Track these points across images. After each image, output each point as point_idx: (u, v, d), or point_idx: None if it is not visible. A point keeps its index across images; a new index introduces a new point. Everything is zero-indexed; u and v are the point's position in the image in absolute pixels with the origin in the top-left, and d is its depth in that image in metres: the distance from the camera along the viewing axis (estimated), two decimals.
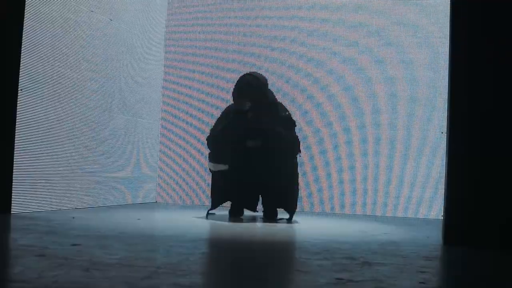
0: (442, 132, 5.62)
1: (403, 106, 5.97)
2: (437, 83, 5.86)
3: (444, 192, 4.79)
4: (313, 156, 6.10)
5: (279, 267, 2.68)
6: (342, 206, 6.01)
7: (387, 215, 5.86)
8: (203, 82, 6.46)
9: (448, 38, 5.18)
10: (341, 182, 6.04)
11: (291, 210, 4.89)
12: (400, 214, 5.86)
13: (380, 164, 5.98)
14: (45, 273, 2.19)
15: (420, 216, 5.80)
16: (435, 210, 5.74)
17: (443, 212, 3.78)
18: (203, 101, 6.45)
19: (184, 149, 6.47)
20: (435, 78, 5.88)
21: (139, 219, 4.51)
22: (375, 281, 2.26)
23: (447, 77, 5.14)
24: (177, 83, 6.56)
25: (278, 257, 3.05)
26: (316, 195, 6.07)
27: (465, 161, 3.53)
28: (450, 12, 3.86)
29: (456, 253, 3.29)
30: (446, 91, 5.11)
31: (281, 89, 6.08)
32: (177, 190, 6.46)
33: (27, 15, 4.35)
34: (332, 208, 6.02)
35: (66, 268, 2.30)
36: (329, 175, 6.07)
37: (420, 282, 2.29)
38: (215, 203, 4.99)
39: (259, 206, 5.05)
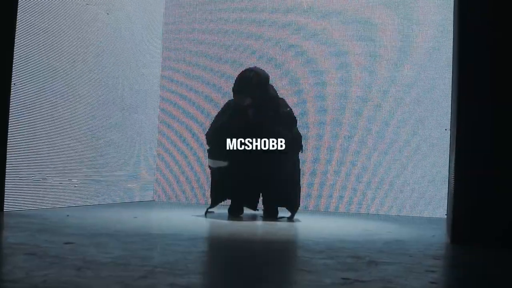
0: (445, 129, 5.52)
1: (407, 104, 5.87)
2: (440, 81, 5.76)
3: (448, 191, 4.70)
4: (315, 154, 5.99)
5: (281, 266, 2.56)
6: (344, 205, 5.90)
7: (389, 213, 5.76)
8: (201, 79, 6.35)
9: (450, 34, 5.11)
10: (343, 181, 5.94)
11: (293, 209, 4.77)
12: (402, 212, 5.75)
13: (383, 163, 5.88)
14: (34, 272, 2.07)
15: (423, 214, 5.69)
16: (438, 208, 5.63)
17: (450, 211, 3.67)
18: (202, 97, 6.34)
19: (182, 146, 6.36)
20: (437, 76, 5.78)
21: (135, 217, 4.39)
22: (383, 281, 2.15)
23: (449, 74, 5.07)
24: (175, 80, 6.44)
25: (280, 256, 2.94)
26: (318, 193, 5.96)
27: (472, 161, 3.41)
28: (456, 7, 3.74)
29: (464, 252, 3.18)
30: (449, 88, 5.03)
31: (283, 86, 5.96)
32: (175, 188, 6.34)
33: (20, 7, 4.22)
34: (335, 207, 5.91)
35: (57, 267, 2.19)
36: (328, 173, 5.97)
37: (430, 282, 2.17)
38: (215, 201, 4.88)
39: (260, 205, 4.94)
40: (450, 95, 4.96)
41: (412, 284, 2.13)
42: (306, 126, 5.97)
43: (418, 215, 5.70)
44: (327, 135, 6.01)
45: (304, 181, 5.60)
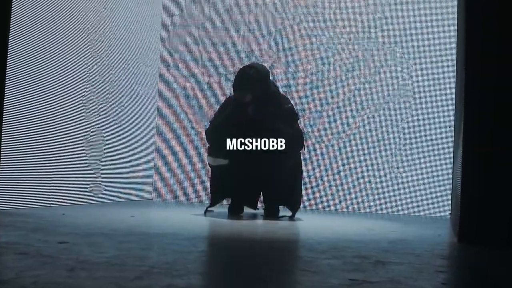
0: (449, 127, 5.42)
1: (409, 102, 5.78)
2: (443, 78, 5.66)
3: (452, 190, 4.59)
4: (317, 153, 5.89)
5: (283, 266, 2.46)
6: (346, 204, 5.80)
7: (392, 212, 5.67)
8: (200, 77, 6.26)
9: (453, 32, 5.01)
10: (345, 179, 5.84)
11: (294, 208, 4.67)
12: (405, 211, 5.66)
13: (385, 161, 5.78)
14: (24, 272, 1.97)
15: (426, 213, 5.60)
16: (441, 207, 5.54)
17: (457, 210, 3.57)
18: (201, 94, 6.24)
19: (181, 144, 6.25)
20: (441, 73, 5.69)
21: (133, 216, 4.29)
22: (393, 282, 2.04)
23: (453, 71, 4.97)
24: (174, 78, 6.34)
25: (282, 256, 2.83)
26: (319, 192, 5.86)
27: (480, 160, 3.31)
28: (463, 5, 3.64)
29: (472, 252, 3.08)
30: (453, 85, 4.93)
31: (284, 83, 5.85)
32: (174, 187, 6.24)
33: (15, 3, 4.11)
34: (336, 206, 5.82)
35: (49, 267, 2.08)
36: (330, 172, 5.87)
37: (442, 283, 2.07)
38: (214, 200, 4.77)
39: (260, 204, 4.83)
40: (454, 92, 4.87)
41: (423, 285, 2.02)
42: (309, 123, 5.87)
43: (421, 214, 5.61)
44: (329, 133, 5.91)
45: (305, 179, 5.48)
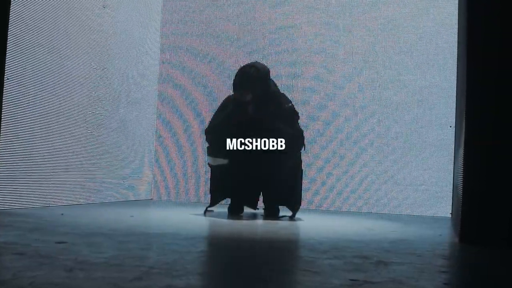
0: (450, 126, 5.40)
1: (410, 102, 5.76)
2: (444, 78, 5.64)
3: (453, 190, 4.57)
4: (318, 152, 5.87)
5: (283, 266, 2.44)
6: (347, 204, 5.78)
7: (392, 212, 5.65)
8: (200, 76, 6.23)
9: (454, 26, 4.98)
10: (345, 179, 5.82)
11: (294, 208, 4.64)
12: (405, 211, 5.64)
13: (386, 161, 5.76)
14: (22, 273, 1.95)
15: (426, 213, 5.58)
16: (441, 207, 5.52)
17: (458, 209, 3.55)
18: (201, 93, 6.21)
19: (181, 144, 6.23)
20: (442, 73, 5.66)
21: (132, 216, 4.27)
22: (394, 282, 2.02)
23: (454, 70, 4.95)
24: (173, 77, 6.32)
25: (282, 256, 2.81)
26: (320, 192, 5.84)
27: (481, 153, 3.28)
28: (465, 3, 3.62)
29: (473, 252, 3.06)
30: (453, 84, 4.91)
31: (284, 83, 5.83)
32: (173, 186, 6.22)
33: (14, 3, 4.08)
34: (338, 207, 5.80)
35: (47, 268, 2.06)
36: (331, 172, 5.85)
37: (444, 283, 2.05)
38: (214, 200, 4.75)
39: (260, 204, 4.81)
40: (454, 91, 4.85)
41: (425, 285, 2.00)
42: (310, 123, 5.85)
43: (420, 213, 5.59)
44: (329, 133, 5.89)
45: (306, 179, 5.46)
